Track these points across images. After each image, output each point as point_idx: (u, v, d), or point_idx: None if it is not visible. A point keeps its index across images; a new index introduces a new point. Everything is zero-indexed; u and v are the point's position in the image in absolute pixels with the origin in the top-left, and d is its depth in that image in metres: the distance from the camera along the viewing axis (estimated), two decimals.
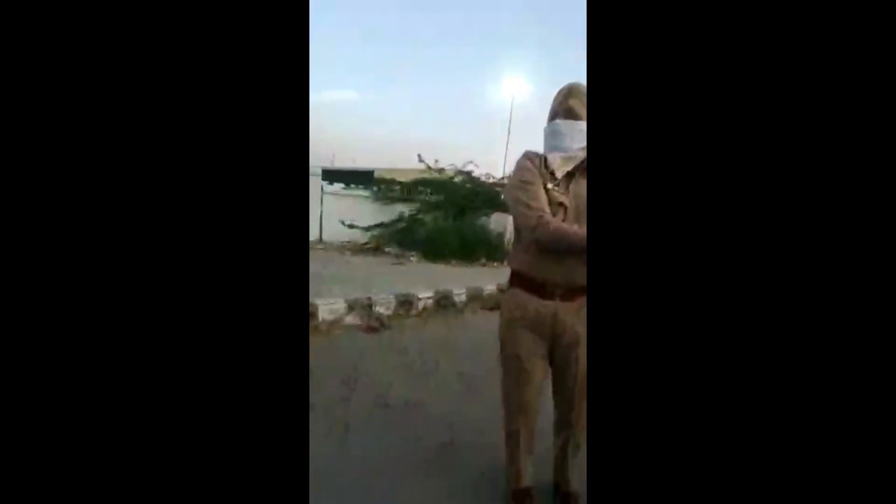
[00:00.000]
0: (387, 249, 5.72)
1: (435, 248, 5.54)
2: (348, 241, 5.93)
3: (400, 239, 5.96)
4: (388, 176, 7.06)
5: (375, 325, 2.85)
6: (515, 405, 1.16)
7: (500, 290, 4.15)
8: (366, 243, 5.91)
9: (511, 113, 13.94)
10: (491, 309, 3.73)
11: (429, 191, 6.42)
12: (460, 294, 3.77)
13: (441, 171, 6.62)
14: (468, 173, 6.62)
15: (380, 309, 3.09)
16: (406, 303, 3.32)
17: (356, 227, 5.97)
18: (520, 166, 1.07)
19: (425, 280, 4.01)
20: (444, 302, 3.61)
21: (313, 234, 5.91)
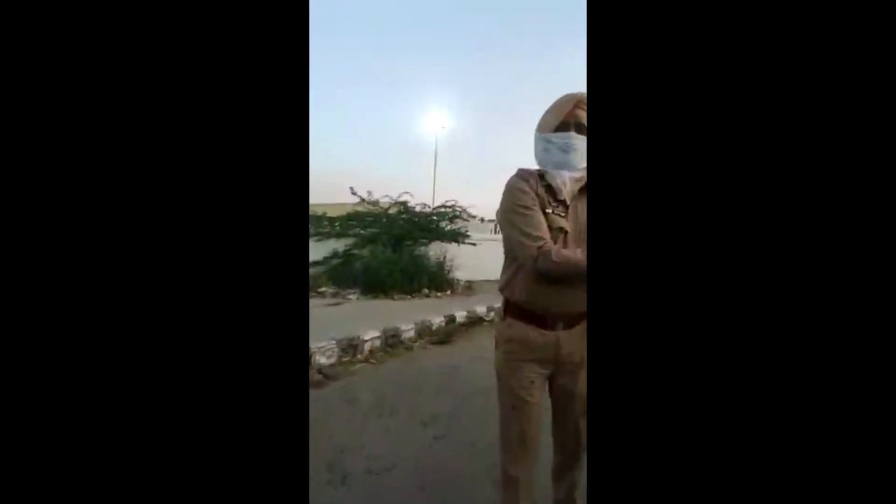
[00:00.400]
0: (321, 289, 5.33)
1: (375, 283, 5.29)
2: None
3: (336, 276, 5.62)
4: (317, 211, 6.71)
5: (318, 378, 2.52)
6: (516, 443, 1.02)
7: (444, 322, 4.00)
8: None
9: (436, 142, 14.31)
10: (441, 343, 3.56)
11: (364, 224, 6.21)
12: (408, 330, 3.55)
13: (375, 202, 6.47)
14: (404, 203, 6.54)
15: (321, 359, 2.76)
16: (350, 347, 3.01)
17: None
18: (515, 188, 0.95)
19: (369, 318, 3.73)
20: (392, 341, 3.36)
21: None
